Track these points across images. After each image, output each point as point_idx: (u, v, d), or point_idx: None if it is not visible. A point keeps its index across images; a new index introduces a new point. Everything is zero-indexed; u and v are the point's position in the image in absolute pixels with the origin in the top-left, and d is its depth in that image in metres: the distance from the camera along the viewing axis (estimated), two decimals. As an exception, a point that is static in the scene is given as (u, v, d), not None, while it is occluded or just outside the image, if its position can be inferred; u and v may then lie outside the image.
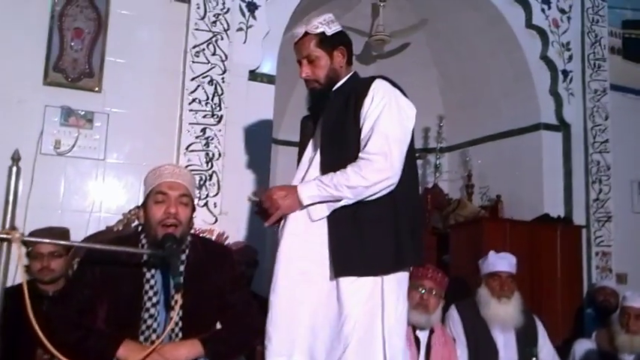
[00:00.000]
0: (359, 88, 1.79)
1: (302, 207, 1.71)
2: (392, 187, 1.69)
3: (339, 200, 1.67)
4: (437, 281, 2.45)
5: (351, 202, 1.67)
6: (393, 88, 1.79)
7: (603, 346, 2.99)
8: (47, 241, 2.02)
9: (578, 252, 3.87)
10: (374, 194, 1.67)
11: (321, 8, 4.22)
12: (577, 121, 4.28)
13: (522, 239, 3.57)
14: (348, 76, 1.89)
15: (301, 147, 1.95)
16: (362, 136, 1.72)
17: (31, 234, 2.30)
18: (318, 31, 1.83)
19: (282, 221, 1.80)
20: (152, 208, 1.74)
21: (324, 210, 1.69)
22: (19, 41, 2.98)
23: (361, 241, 1.67)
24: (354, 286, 1.66)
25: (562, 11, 4.36)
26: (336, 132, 1.77)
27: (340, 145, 1.74)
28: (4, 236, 1.31)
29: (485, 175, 4.66)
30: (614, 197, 4.23)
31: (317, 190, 1.67)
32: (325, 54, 1.83)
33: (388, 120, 1.70)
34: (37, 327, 1.35)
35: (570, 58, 4.34)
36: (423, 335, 2.43)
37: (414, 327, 2.39)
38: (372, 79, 1.80)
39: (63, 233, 2.51)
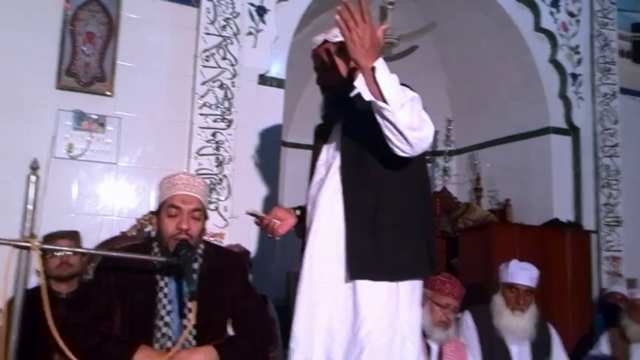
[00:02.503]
0: None
1: (369, 68, 1.52)
2: (417, 153, 1.61)
3: (384, 110, 1.51)
4: (456, 296, 2.43)
5: (384, 129, 1.54)
6: (413, 92, 1.79)
7: (617, 342, 3.03)
8: (65, 249, 2.04)
9: (588, 257, 3.85)
10: (408, 145, 1.56)
11: (329, 12, 4.24)
12: (586, 124, 4.27)
13: (532, 244, 3.56)
14: None
15: (315, 152, 1.95)
16: None
17: (45, 238, 2.33)
18: (337, 39, 1.83)
19: (307, 222, 1.81)
20: (164, 220, 1.76)
21: (368, 94, 1.54)
22: (32, 45, 3.00)
23: (377, 245, 1.68)
24: (371, 290, 1.67)
25: (571, 14, 4.35)
26: (357, 134, 1.75)
27: (362, 146, 1.73)
28: (24, 244, 1.32)
29: (494, 178, 4.66)
30: (623, 202, 4.22)
31: (390, 79, 1.52)
32: (343, 62, 1.84)
33: (419, 110, 1.63)
34: (55, 333, 1.36)
35: (579, 61, 4.33)
36: (434, 343, 2.42)
37: (423, 333, 2.38)
38: None
39: (75, 233, 2.53)
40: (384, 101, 1.51)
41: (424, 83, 4.65)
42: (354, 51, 1.52)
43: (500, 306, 2.69)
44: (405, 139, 1.55)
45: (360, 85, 1.54)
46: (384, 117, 1.54)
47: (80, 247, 2.38)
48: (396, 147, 1.58)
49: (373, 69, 1.52)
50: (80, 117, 3.01)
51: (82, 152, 2.98)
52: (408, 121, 1.53)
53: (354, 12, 1.48)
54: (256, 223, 1.92)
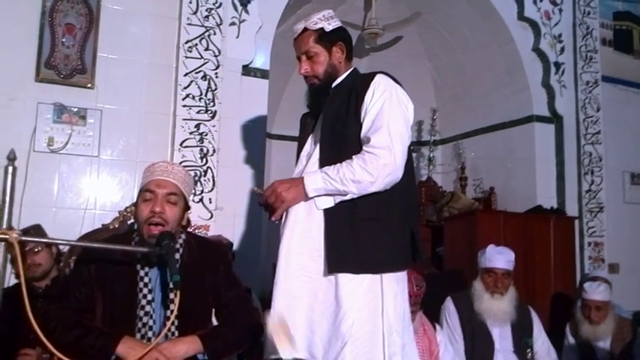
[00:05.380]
0: (359, 83, 1.79)
1: (307, 199, 1.71)
2: (395, 182, 1.69)
3: (345, 195, 1.67)
4: (419, 297, 2.36)
5: (356, 196, 1.67)
6: (393, 83, 1.79)
7: (575, 336, 3.05)
8: (45, 240, 2.01)
9: (571, 243, 3.90)
10: (379, 189, 1.67)
11: (313, 2, 4.21)
12: (569, 112, 4.30)
13: (516, 231, 3.60)
14: (348, 72, 1.88)
15: (300, 143, 1.95)
16: (363, 130, 1.71)
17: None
18: (317, 27, 1.83)
19: (284, 216, 1.80)
20: (140, 206, 1.74)
21: (330, 201, 1.70)
22: (10, 38, 2.95)
23: (356, 239, 1.68)
24: (353, 283, 1.66)
25: (554, 3, 4.38)
26: (336, 128, 1.76)
27: (340, 141, 1.74)
28: (2, 236, 1.30)
29: (479, 167, 4.69)
30: (605, 188, 4.27)
31: (322, 182, 1.67)
32: (324, 50, 1.83)
33: (390, 114, 1.70)
34: (36, 326, 1.35)
35: (562, 50, 4.36)
36: None
37: None
38: (373, 74, 1.80)
39: (35, 228, 2.48)
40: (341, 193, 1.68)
41: (409, 74, 4.71)
42: (292, 203, 1.74)
43: (480, 291, 2.74)
44: (379, 189, 1.67)
45: (323, 204, 1.72)
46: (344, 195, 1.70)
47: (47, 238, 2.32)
48: (371, 191, 1.68)
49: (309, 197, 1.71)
50: (60, 110, 2.97)
51: (63, 145, 2.94)
52: (367, 186, 1.65)
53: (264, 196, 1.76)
54: (259, 203, 1.89)
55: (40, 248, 2.31)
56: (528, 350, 2.65)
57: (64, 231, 2.72)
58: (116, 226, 2.24)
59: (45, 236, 2.34)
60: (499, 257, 2.76)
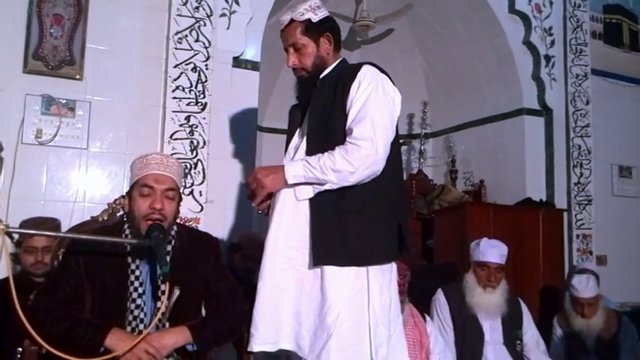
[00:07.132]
0: (346, 74, 1.77)
1: (287, 186, 1.70)
2: (376, 174, 1.68)
3: (324, 184, 1.66)
4: (404, 286, 2.32)
5: (335, 186, 1.66)
6: (380, 74, 1.77)
7: (564, 327, 3.06)
8: (33, 232, 2.00)
9: (560, 235, 3.94)
10: (358, 181, 1.66)
11: (304, -7, 4.19)
12: (559, 105, 4.33)
13: (506, 223, 3.62)
14: (336, 62, 1.87)
15: (289, 135, 1.94)
16: (348, 122, 1.70)
17: (23, 223, 2.28)
18: (304, 18, 1.81)
19: (271, 208, 1.80)
20: (137, 200, 1.72)
21: (310, 191, 1.68)
22: (-3, 28, 2.92)
23: (342, 231, 1.67)
24: (339, 276, 1.66)
25: (544, -5, 4.39)
26: (322, 119, 1.76)
27: (326, 133, 1.73)
28: (-11, 228, 1.30)
29: (469, 160, 4.71)
30: (594, 181, 4.31)
31: (302, 170, 1.66)
32: (311, 41, 1.82)
33: (375, 105, 1.68)
34: (24, 319, 1.34)
35: (552, 43, 4.37)
36: None
37: None
38: (360, 65, 1.79)
39: (55, 227, 2.48)
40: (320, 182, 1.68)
41: (400, 66, 4.72)
42: (271, 189, 1.74)
43: (472, 284, 2.75)
44: (359, 180, 1.66)
45: (303, 194, 1.71)
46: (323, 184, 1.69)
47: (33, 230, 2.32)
48: (350, 181, 1.67)
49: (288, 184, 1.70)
50: (49, 101, 2.94)
51: (52, 138, 2.91)
52: (346, 176, 1.64)
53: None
54: (248, 197, 1.89)
55: (50, 247, 2.30)
56: (518, 342, 2.68)
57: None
58: (105, 218, 2.23)
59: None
60: (492, 251, 2.77)
